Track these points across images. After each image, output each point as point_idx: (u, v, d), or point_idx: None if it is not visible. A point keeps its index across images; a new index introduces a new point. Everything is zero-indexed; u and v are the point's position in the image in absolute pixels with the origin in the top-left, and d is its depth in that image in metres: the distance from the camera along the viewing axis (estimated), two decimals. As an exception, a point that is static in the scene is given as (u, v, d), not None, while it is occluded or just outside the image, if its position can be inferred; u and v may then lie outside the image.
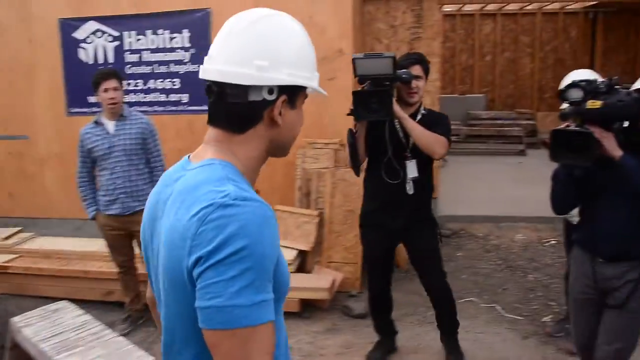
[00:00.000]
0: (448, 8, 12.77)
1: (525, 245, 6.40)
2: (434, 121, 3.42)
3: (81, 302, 4.23)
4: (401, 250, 4.29)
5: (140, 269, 4.44)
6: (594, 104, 2.51)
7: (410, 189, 3.45)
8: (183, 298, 1.15)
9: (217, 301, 1.06)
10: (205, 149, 1.28)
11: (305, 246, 4.98)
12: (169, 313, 1.24)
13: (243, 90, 1.22)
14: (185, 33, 5.82)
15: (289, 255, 4.86)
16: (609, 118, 2.56)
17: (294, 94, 1.29)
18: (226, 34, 1.26)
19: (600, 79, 3.45)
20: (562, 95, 2.63)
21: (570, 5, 12.73)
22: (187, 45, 5.83)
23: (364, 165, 3.59)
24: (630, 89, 2.70)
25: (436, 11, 6.32)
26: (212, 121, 1.29)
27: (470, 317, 4.59)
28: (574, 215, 3.33)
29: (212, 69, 1.24)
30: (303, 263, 5.08)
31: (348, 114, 3.27)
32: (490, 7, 12.74)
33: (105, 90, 4.03)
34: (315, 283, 4.52)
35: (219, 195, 1.12)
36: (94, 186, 4.26)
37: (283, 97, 1.25)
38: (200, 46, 5.75)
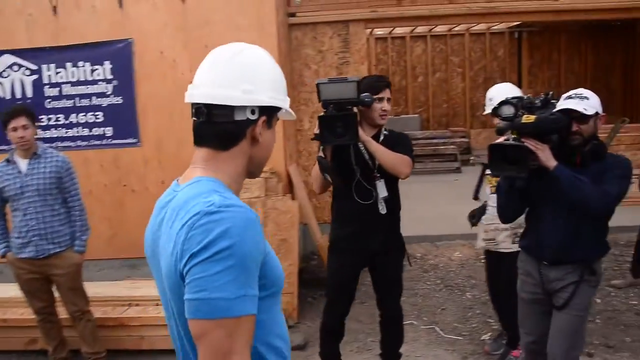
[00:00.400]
0: (379, 32, 12.99)
1: (463, 263, 6.43)
2: (396, 141, 3.47)
3: (1, 353, 3.96)
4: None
5: (62, 313, 4.19)
6: (528, 118, 2.70)
7: (382, 208, 3.44)
8: (181, 300, 1.26)
9: (203, 294, 1.18)
10: (192, 170, 1.42)
11: (239, 279, 4.83)
12: (177, 322, 1.35)
13: (230, 110, 1.37)
14: (107, 65, 5.64)
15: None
16: (542, 131, 2.72)
17: (270, 115, 1.44)
18: (211, 64, 1.42)
19: (519, 92, 3.73)
20: (495, 112, 2.87)
21: (496, 25, 13.15)
22: (110, 77, 5.64)
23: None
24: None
25: (362, 35, 6.37)
26: (199, 142, 1.42)
27: (410, 341, 4.53)
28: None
29: (201, 93, 1.38)
30: (238, 296, 4.93)
31: (313, 139, 3.28)
32: (420, 30, 13.02)
33: (14, 129, 3.80)
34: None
35: (205, 205, 1.25)
36: (5, 223, 4.02)
37: (263, 117, 1.41)
38: (123, 78, 5.58)
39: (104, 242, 5.76)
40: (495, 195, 3.71)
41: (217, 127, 1.38)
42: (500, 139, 2.90)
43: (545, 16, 6.90)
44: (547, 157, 2.72)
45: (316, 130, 3.20)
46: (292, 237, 4.95)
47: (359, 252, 3.53)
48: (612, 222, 2.97)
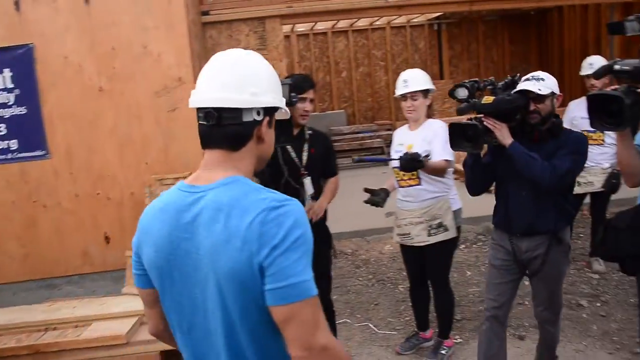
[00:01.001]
0: (301, 28, 12.89)
1: (394, 256, 6.40)
2: (319, 141, 3.62)
3: None
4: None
5: None
6: (487, 99, 2.95)
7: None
8: (250, 292, 1.36)
9: (291, 279, 1.32)
10: (210, 171, 1.49)
11: (162, 291, 4.60)
12: (221, 317, 1.41)
13: (238, 113, 1.46)
14: (7, 72, 5.26)
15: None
16: (500, 111, 2.94)
17: (272, 115, 1.55)
18: (215, 70, 1.50)
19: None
20: (451, 94, 3.06)
21: (415, 18, 13.30)
22: (10, 85, 5.26)
23: None
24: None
25: (279, 31, 6.23)
26: (209, 145, 1.51)
27: (344, 339, 4.44)
28: None
29: (211, 97, 1.46)
30: (163, 309, 4.70)
31: None
32: (342, 25, 13.00)
33: None
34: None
35: (265, 202, 1.37)
36: None
37: (267, 118, 1.52)
38: (26, 86, 5.21)
39: (17, 263, 5.39)
40: (403, 189, 3.88)
41: (227, 129, 1.47)
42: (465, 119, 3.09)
43: (462, 6, 6.97)
44: (503, 136, 2.95)
45: None
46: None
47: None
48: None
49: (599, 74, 2.63)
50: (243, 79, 1.47)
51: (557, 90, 3.07)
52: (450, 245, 3.85)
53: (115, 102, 5.04)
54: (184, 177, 4.53)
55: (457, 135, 3.01)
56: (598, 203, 5.42)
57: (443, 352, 4.06)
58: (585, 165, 4.61)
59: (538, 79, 3.03)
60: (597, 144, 5.16)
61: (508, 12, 13.39)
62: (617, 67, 2.43)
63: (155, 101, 5.06)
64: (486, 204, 7.73)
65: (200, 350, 1.52)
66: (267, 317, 1.38)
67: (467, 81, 3.09)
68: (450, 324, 4.16)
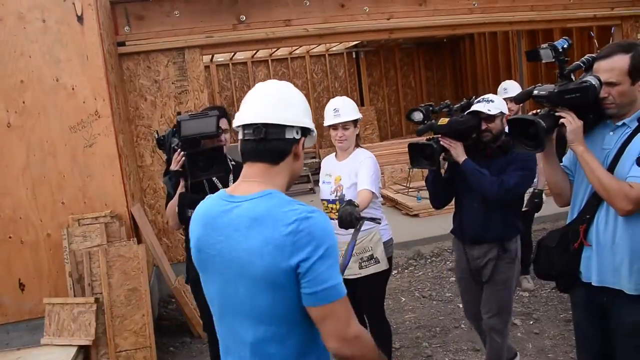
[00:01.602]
0: (220, 58, 12.75)
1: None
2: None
3: None
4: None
5: None
6: (442, 121, 3.24)
7: None
8: (280, 293, 1.58)
9: (329, 282, 1.55)
10: (248, 184, 1.70)
11: (85, 340, 4.28)
12: (249, 311, 1.64)
13: (282, 129, 1.68)
14: None
15: (67, 354, 4.14)
16: (454, 130, 3.24)
17: (306, 136, 1.76)
18: (262, 94, 1.74)
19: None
20: (408, 117, 3.36)
21: (334, 47, 13.47)
22: None
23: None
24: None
25: (200, 62, 6.09)
26: (252, 158, 1.71)
27: None
28: None
29: (259, 113, 1.68)
30: None
31: (179, 174, 3.38)
32: (261, 54, 12.97)
33: None
34: (99, 383, 3.86)
35: (296, 213, 1.57)
36: None
37: (303, 137, 1.75)
38: None
39: None
40: (332, 222, 3.70)
41: (271, 144, 1.68)
42: (424, 139, 3.38)
43: (381, 34, 7.08)
44: (457, 153, 3.27)
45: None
46: (143, 285, 4.49)
47: None
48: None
49: (519, 99, 2.85)
50: (287, 102, 1.71)
51: (505, 110, 3.41)
52: (382, 277, 3.75)
53: (26, 139, 4.70)
54: (104, 216, 4.27)
55: (416, 154, 3.28)
56: (524, 223, 5.54)
57: None
58: None
59: (488, 101, 3.35)
60: None
61: (423, 40, 13.82)
62: (535, 92, 2.55)
63: (71, 137, 4.76)
64: (415, 229, 7.83)
65: (226, 342, 1.78)
66: (294, 314, 1.62)
67: (422, 105, 3.37)
68: (390, 353, 4.08)
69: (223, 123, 3.49)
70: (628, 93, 2.45)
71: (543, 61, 2.58)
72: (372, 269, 3.64)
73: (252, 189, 1.67)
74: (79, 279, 4.49)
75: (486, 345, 3.69)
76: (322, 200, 3.75)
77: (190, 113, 3.82)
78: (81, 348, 4.31)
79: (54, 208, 4.79)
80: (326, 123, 3.69)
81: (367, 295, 3.78)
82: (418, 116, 3.34)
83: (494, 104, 3.36)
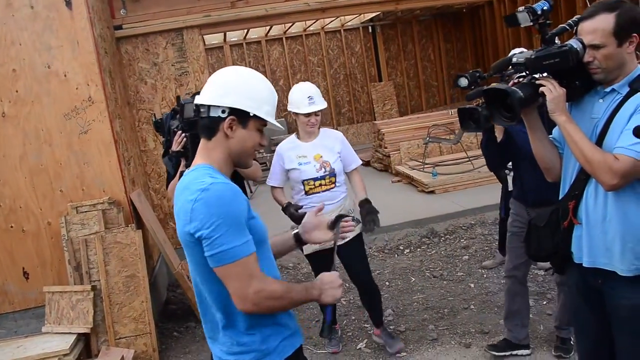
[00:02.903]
0: (233, 38, 12.63)
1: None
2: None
3: None
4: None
5: None
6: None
7: None
8: (192, 254, 1.85)
9: (224, 246, 1.75)
10: (196, 158, 1.96)
11: (84, 328, 4.27)
12: (191, 271, 1.94)
13: (207, 109, 1.90)
14: None
15: (66, 342, 4.13)
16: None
17: (242, 116, 1.88)
18: (207, 82, 1.96)
19: None
20: (455, 83, 3.15)
21: (349, 21, 13.21)
22: None
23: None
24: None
25: (199, 43, 5.96)
26: (199, 134, 1.97)
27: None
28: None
29: (200, 96, 1.93)
30: (87, 347, 4.37)
31: (180, 155, 3.51)
32: (275, 32, 12.80)
33: None
34: (95, 372, 3.84)
35: (200, 185, 1.78)
36: None
37: (232, 117, 1.87)
38: None
39: None
40: (316, 195, 3.96)
41: (202, 121, 1.92)
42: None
43: (386, 6, 6.85)
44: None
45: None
46: (141, 271, 4.44)
47: None
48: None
49: (497, 67, 2.60)
50: (221, 85, 1.90)
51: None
52: (360, 237, 4.09)
53: (22, 128, 4.67)
54: (102, 203, 4.22)
55: (465, 118, 3.16)
56: None
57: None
58: None
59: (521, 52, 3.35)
60: None
61: (441, 11, 13.46)
62: (514, 59, 2.39)
63: (66, 124, 4.71)
64: (430, 206, 7.66)
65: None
66: (209, 271, 1.83)
67: (468, 72, 3.24)
68: (381, 317, 4.31)
69: None
70: (615, 56, 2.22)
71: (522, 26, 2.37)
72: (357, 229, 3.91)
73: (195, 162, 1.95)
74: (77, 266, 4.46)
75: (558, 298, 3.86)
76: (306, 180, 3.93)
77: (192, 95, 3.86)
78: (81, 335, 4.30)
79: (53, 196, 4.77)
80: (303, 111, 3.87)
81: (356, 256, 4.08)
82: (464, 82, 3.18)
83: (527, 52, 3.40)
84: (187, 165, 3.44)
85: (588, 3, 4.78)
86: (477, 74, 3.22)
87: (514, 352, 3.87)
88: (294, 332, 2.01)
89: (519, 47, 5.69)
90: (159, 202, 6.06)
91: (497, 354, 3.88)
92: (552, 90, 2.27)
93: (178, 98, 3.51)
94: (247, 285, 1.78)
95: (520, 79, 2.43)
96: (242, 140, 1.91)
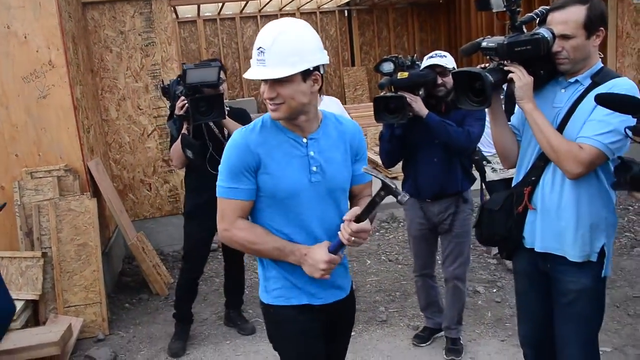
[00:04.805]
0: (208, 12, 12.45)
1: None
2: (239, 115, 3.95)
3: None
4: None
5: None
6: (402, 74, 3.20)
7: None
8: None
9: (217, 181, 2.07)
10: None
11: (32, 294, 4.21)
12: None
13: None
14: None
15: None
16: (414, 84, 3.26)
17: None
18: None
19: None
20: (376, 68, 3.31)
21: (326, 4, 13.13)
22: None
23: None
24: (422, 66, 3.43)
25: (168, 14, 5.87)
26: None
27: (237, 338, 4.22)
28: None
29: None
30: (35, 314, 4.32)
31: (183, 118, 3.71)
32: (250, 10, 12.65)
33: None
34: (41, 339, 3.79)
35: None
36: None
37: None
38: None
39: None
40: None
41: None
42: (381, 93, 3.32)
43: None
44: (420, 107, 3.25)
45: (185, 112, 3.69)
46: (94, 240, 4.40)
47: (214, 217, 3.42)
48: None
49: (466, 50, 2.57)
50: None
51: (455, 66, 3.42)
52: None
53: (-23, 90, 4.56)
54: (57, 170, 4.15)
55: (381, 108, 3.24)
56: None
57: None
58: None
59: (442, 56, 3.42)
60: None
61: (418, 0, 13.47)
62: (484, 44, 2.39)
63: (24, 87, 4.60)
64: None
65: None
66: None
67: (391, 56, 3.32)
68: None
69: (221, 74, 3.80)
70: (583, 47, 2.30)
71: (494, 10, 2.36)
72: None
73: None
74: (28, 232, 4.39)
75: (447, 294, 3.82)
76: None
77: (195, 63, 4.06)
78: (29, 302, 4.25)
79: (7, 161, 4.66)
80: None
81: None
82: (388, 67, 3.28)
83: (447, 58, 3.42)
84: (188, 129, 3.72)
85: None
86: (401, 59, 3.33)
87: (437, 335, 4.06)
88: (298, 289, 2.12)
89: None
90: (118, 172, 5.98)
91: (424, 345, 4.02)
92: (520, 78, 2.31)
93: (183, 64, 3.68)
94: (219, 221, 2.08)
95: (487, 65, 2.46)
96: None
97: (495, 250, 5.45)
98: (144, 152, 6.01)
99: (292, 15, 13.10)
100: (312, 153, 2.05)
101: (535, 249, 2.50)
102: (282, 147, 2.03)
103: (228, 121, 3.81)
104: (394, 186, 1.97)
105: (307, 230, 2.08)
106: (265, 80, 1.92)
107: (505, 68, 2.35)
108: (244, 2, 11.69)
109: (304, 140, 2.06)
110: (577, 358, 2.49)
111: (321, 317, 2.17)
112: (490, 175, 5.03)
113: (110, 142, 5.92)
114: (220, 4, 11.71)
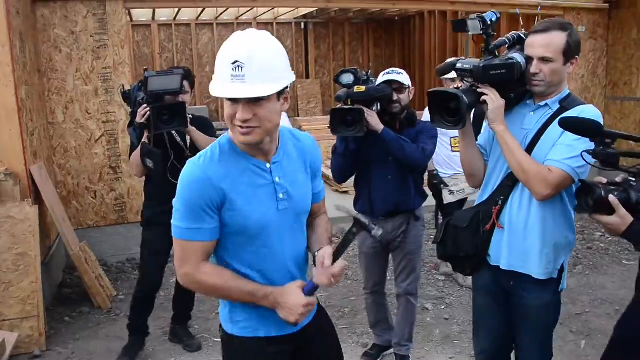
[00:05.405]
0: (163, 17, 12.24)
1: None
2: (202, 124, 3.88)
3: None
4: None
5: None
6: (359, 88, 3.18)
7: None
8: None
9: (173, 220, 1.85)
10: None
11: (-37, 306, 3.96)
12: None
13: None
14: None
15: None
16: (371, 99, 3.23)
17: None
18: None
19: None
20: (336, 80, 3.25)
21: (283, 15, 13.11)
22: None
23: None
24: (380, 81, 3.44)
25: (122, 16, 5.69)
26: None
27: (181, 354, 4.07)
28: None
29: None
30: (-34, 327, 4.05)
31: (144, 126, 3.63)
32: (207, 17, 12.49)
33: None
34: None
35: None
36: None
37: None
38: None
39: None
40: None
41: None
42: (338, 105, 3.29)
43: (317, 3, 6.81)
44: (376, 122, 3.22)
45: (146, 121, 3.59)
46: (33, 250, 4.17)
47: (168, 227, 3.38)
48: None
49: (441, 70, 2.62)
50: None
51: (411, 84, 3.51)
52: None
53: None
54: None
55: (338, 121, 3.18)
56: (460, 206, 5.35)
57: None
58: (457, 171, 4.91)
59: (399, 73, 3.43)
60: None
61: (374, 16, 13.60)
62: (459, 65, 2.42)
63: (-35, 85, 4.36)
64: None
65: None
66: None
67: (351, 68, 3.29)
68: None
69: (185, 85, 3.77)
70: (559, 72, 2.37)
71: (470, 33, 2.42)
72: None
73: None
74: (-38, 239, 4.13)
75: (399, 310, 3.81)
76: None
77: (157, 70, 4.07)
78: (-40, 314, 3.99)
79: (-57, 162, 4.40)
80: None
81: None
82: (348, 78, 3.24)
83: (404, 76, 3.45)
84: (149, 138, 3.64)
85: (522, 21, 4.97)
86: (361, 75, 3.34)
87: (386, 353, 4.02)
88: (266, 320, 1.95)
89: (447, 58, 5.86)
90: (62, 178, 5.73)
91: None
92: (494, 100, 2.35)
93: (145, 70, 3.62)
94: (179, 266, 1.86)
95: (460, 86, 2.49)
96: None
97: (445, 267, 5.48)
98: (90, 158, 5.78)
99: (249, 24, 13.03)
100: (277, 179, 1.90)
101: (501, 267, 2.54)
102: (245, 176, 1.84)
103: (193, 130, 3.72)
104: (366, 221, 1.91)
105: (278, 261, 1.93)
106: (236, 100, 1.71)
107: (479, 90, 2.38)
108: (201, 9, 11.54)
109: (267, 165, 1.89)
110: None
111: (291, 347, 2.04)
112: (448, 198, 5.07)
113: (55, 147, 5.67)
114: (176, 10, 11.52)
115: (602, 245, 6.35)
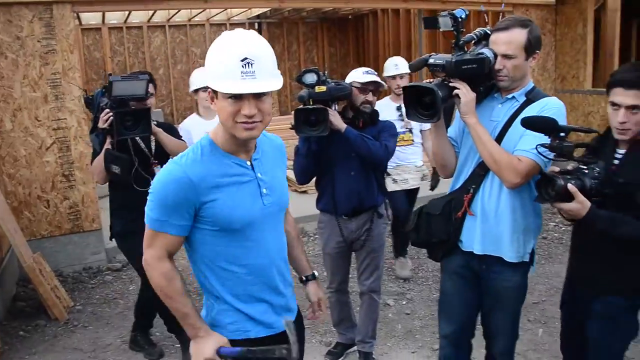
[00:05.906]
0: (113, 20, 12.00)
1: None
2: (167, 131, 3.78)
3: None
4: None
5: None
6: (320, 88, 3.21)
7: None
8: None
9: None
10: None
11: None
12: None
13: None
14: None
15: None
16: (332, 99, 3.30)
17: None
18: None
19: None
20: (299, 79, 3.25)
21: (236, 16, 13.02)
22: None
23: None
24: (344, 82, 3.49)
25: (70, 20, 5.55)
26: None
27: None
28: None
29: None
30: None
31: (106, 132, 3.56)
32: (158, 19, 12.31)
33: None
34: None
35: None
36: None
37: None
38: None
39: None
40: None
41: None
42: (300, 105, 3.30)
43: (271, 4, 6.79)
44: (338, 122, 3.25)
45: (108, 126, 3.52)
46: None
47: (139, 235, 3.30)
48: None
49: (414, 66, 2.70)
50: None
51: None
52: None
53: None
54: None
55: (301, 121, 3.19)
56: (409, 200, 5.43)
57: None
58: (399, 163, 4.97)
59: (375, 74, 3.52)
60: (408, 144, 5.29)
61: (327, 15, 13.64)
62: (431, 60, 2.52)
63: None
64: (302, 206, 7.69)
65: None
66: None
67: (313, 67, 3.30)
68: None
69: (150, 88, 3.69)
70: (521, 67, 2.51)
71: (441, 29, 2.51)
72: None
73: None
74: None
75: (362, 307, 3.84)
76: None
77: (122, 75, 3.87)
78: None
79: None
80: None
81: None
82: (311, 78, 3.25)
83: (374, 75, 3.54)
84: (112, 143, 3.58)
85: (487, 18, 5.09)
86: (320, 73, 3.37)
87: (349, 351, 4.05)
88: (254, 321, 2.01)
89: (398, 56, 5.92)
90: (13, 188, 5.56)
91: None
92: (465, 94, 2.46)
93: (109, 75, 3.60)
94: (144, 249, 1.92)
95: (431, 80, 2.56)
96: (219, 111, 1.82)
97: (400, 269, 5.52)
98: (41, 166, 5.63)
99: (202, 26, 12.92)
100: (259, 175, 1.97)
101: (475, 252, 2.67)
102: (228, 174, 1.91)
103: (160, 132, 3.68)
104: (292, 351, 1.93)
105: (265, 255, 1.99)
106: (240, 97, 1.77)
107: (451, 84, 2.48)
108: (152, 11, 11.37)
109: (248, 163, 1.96)
110: (509, 340, 2.82)
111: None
112: (391, 186, 5.13)
113: (4, 156, 5.50)
114: (127, 12, 11.32)
115: (556, 234, 6.53)
